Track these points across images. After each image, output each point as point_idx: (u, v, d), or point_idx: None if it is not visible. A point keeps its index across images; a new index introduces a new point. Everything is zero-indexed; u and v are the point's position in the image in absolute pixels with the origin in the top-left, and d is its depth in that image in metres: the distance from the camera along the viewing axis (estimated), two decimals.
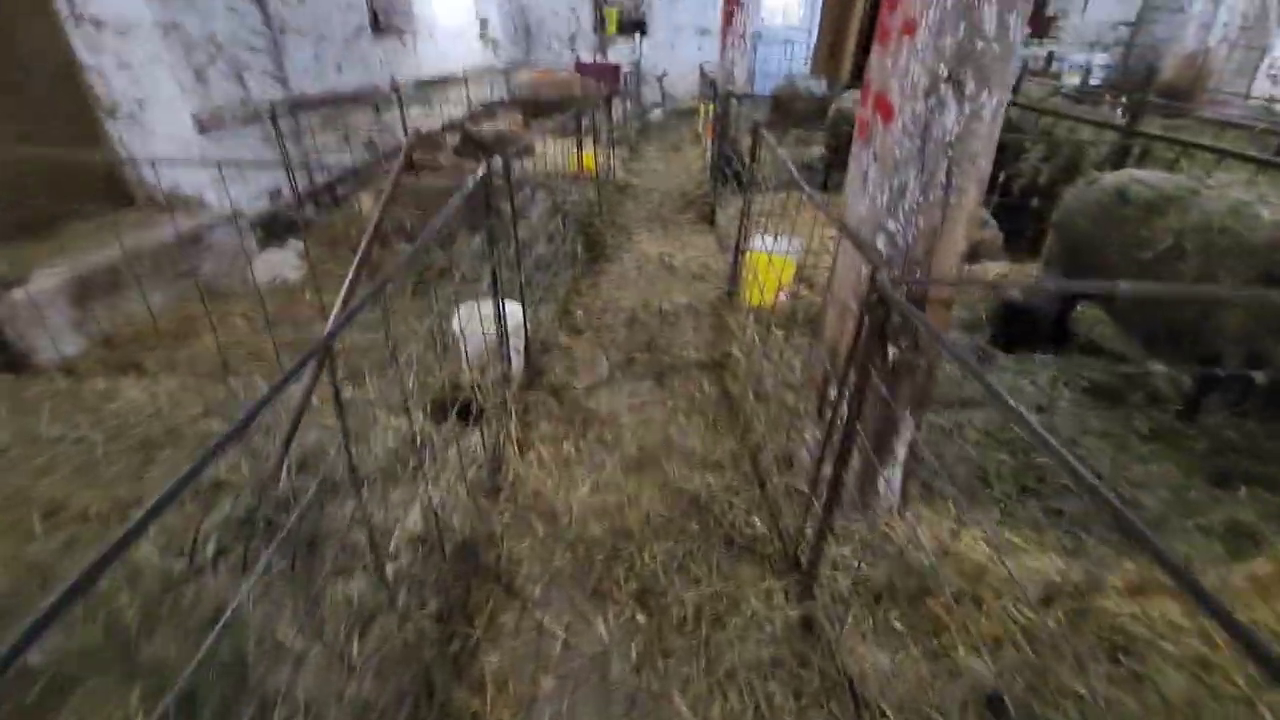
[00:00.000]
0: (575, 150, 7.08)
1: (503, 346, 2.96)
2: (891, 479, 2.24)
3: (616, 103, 10.56)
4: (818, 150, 7.90)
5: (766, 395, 2.92)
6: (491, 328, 2.95)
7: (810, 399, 2.35)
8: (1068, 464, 0.94)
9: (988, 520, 2.26)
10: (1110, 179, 3.08)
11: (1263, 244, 2.45)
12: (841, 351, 2.05)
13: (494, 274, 2.83)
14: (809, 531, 2.12)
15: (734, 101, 6.92)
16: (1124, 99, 6.85)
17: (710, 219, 6.09)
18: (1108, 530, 2.23)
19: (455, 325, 3.13)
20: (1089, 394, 2.98)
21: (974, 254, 4.76)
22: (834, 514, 1.88)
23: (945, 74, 1.57)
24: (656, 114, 12.92)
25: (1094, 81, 10.72)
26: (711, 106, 8.45)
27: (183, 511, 2.03)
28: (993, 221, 4.77)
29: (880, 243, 1.82)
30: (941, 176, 1.69)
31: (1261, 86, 9.30)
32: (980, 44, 1.53)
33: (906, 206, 1.75)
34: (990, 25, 1.51)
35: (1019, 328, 3.30)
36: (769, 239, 4.27)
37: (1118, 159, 4.01)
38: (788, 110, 9.09)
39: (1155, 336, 2.96)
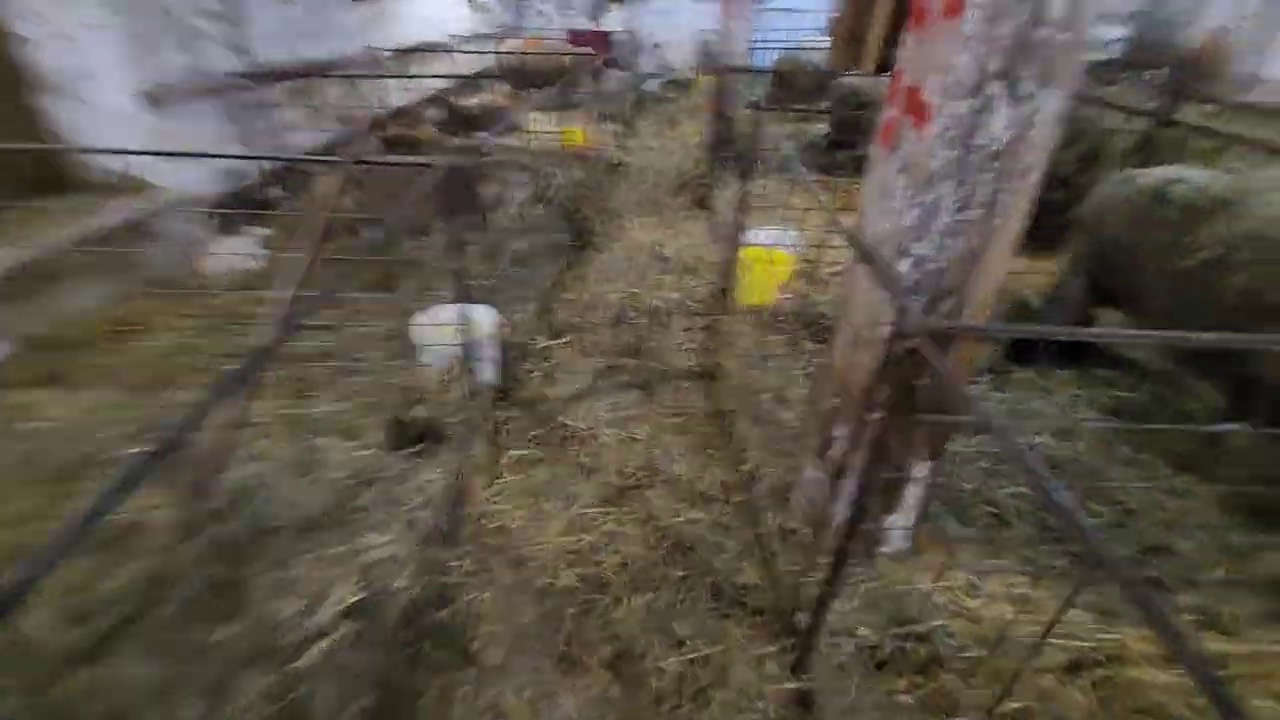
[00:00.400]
0: (565, 126, 6.68)
1: (469, 358, 2.67)
2: (902, 525, 1.99)
3: (610, 73, 10.07)
4: (821, 128, 7.50)
5: (762, 415, 2.66)
6: (457, 336, 2.66)
7: (811, 426, 2.08)
8: (1078, 528, 0.85)
9: (1007, 570, 2.02)
10: (1148, 176, 2.77)
11: None
12: (853, 386, 1.78)
13: (460, 278, 2.53)
14: (808, 583, 1.88)
15: (733, 76, 6.50)
16: (1144, 77, 6.49)
17: (706, 203, 5.74)
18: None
19: (416, 335, 2.84)
20: (1114, 413, 2.73)
21: None
22: (840, 580, 1.62)
23: (997, 68, 1.26)
24: (653, 85, 12.38)
25: (1102, 58, 10.26)
26: (710, 78, 8.00)
27: (85, 565, 1.75)
28: None
29: (905, 267, 1.53)
30: (985, 193, 1.39)
31: (1273, 70, 8.84)
32: (1044, 31, 1.22)
33: (940, 227, 1.45)
34: (1059, 7, 1.20)
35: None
36: (766, 232, 3.96)
37: (1146, 149, 3.70)
38: (790, 84, 8.64)
39: (1187, 355, 2.70)
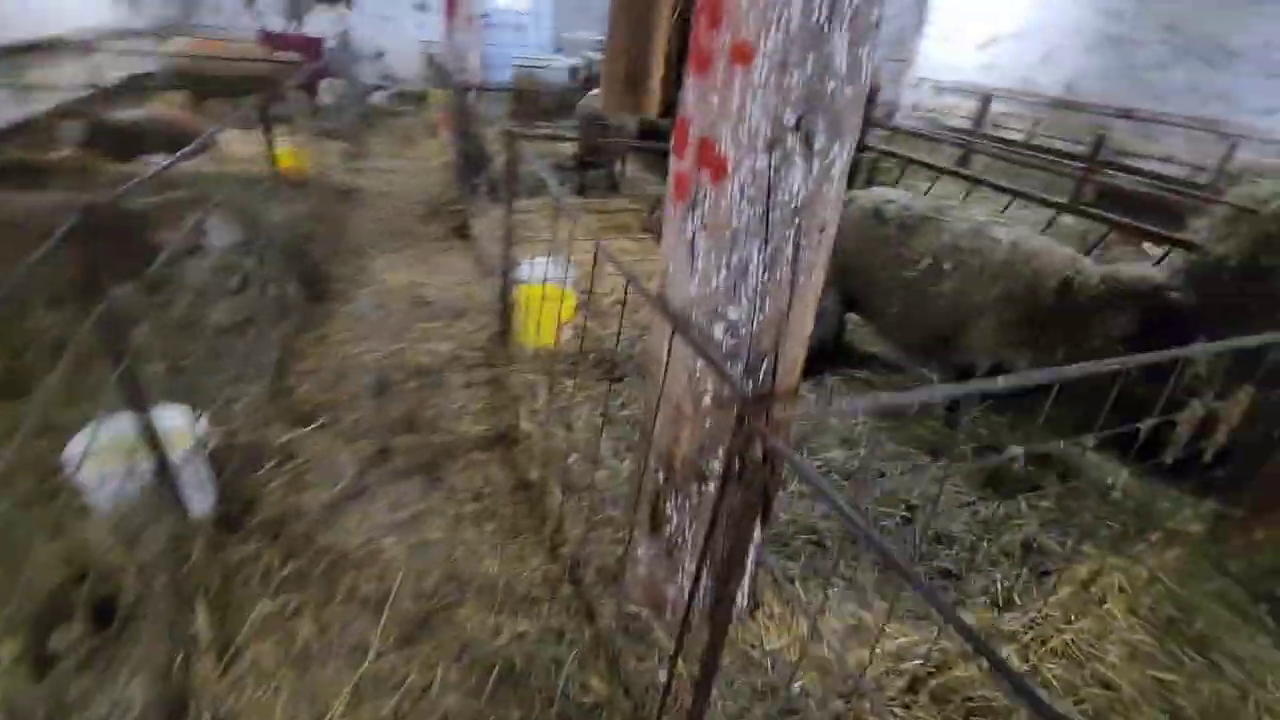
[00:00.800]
0: (274, 147, 5.56)
1: (164, 486, 1.91)
2: (741, 585, 1.89)
3: (325, 86, 8.83)
4: (568, 148, 7.50)
5: (573, 482, 2.38)
6: (140, 458, 1.88)
7: (638, 500, 1.87)
8: (892, 560, 0.86)
9: (837, 602, 2.05)
10: (865, 198, 3.16)
11: (1001, 264, 2.65)
12: (679, 460, 1.60)
13: (131, 370, 1.78)
14: (665, 678, 1.66)
15: (472, 92, 6.09)
16: None
17: (464, 232, 5.26)
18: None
19: (73, 464, 1.96)
20: (880, 415, 3.06)
21: None
22: (710, 690, 1.42)
23: (792, 121, 1.15)
24: (379, 99, 11.25)
25: None
26: (443, 94, 7.45)
27: None
28: None
29: (719, 332, 1.38)
30: (789, 250, 1.29)
31: (904, 96, 11.35)
32: (832, 84, 1.14)
33: (750, 289, 1.32)
34: (841, 60, 1.12)
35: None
36: (539, 265, 3.70)
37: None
38: (530, 102, 8.52)
39: (917, 349, 3.14)
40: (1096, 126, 7.31)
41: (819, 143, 1.18)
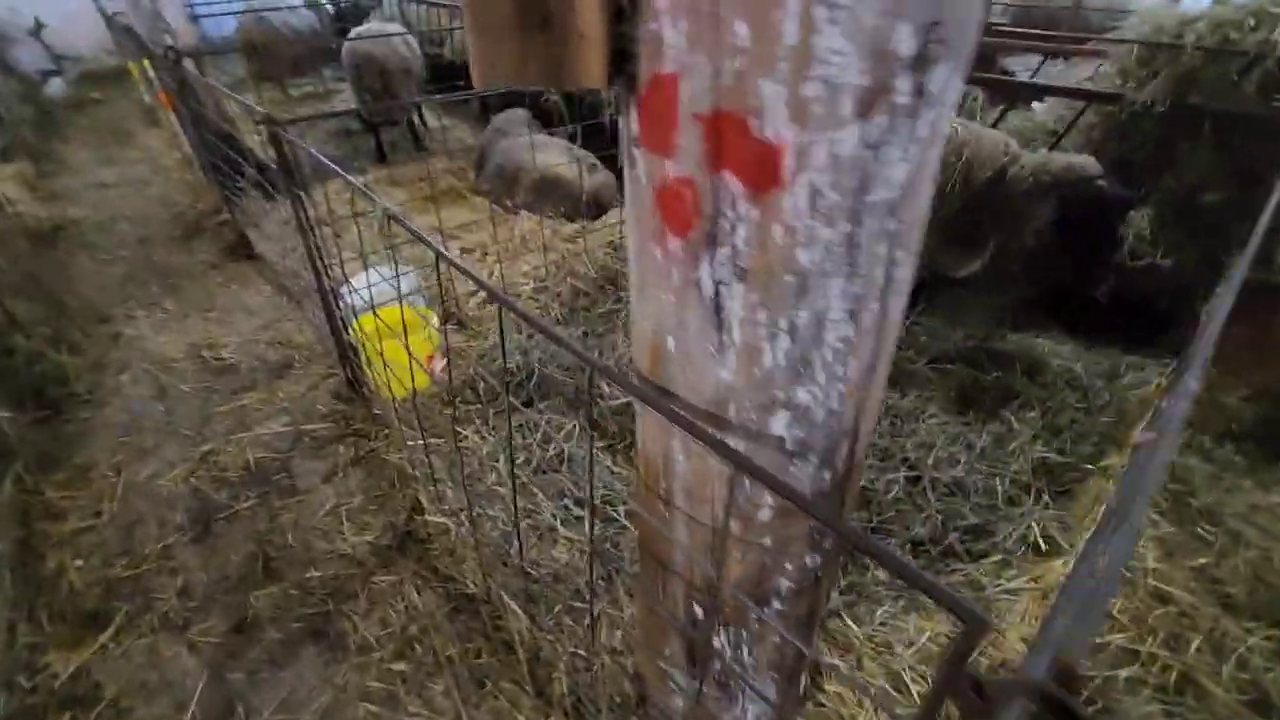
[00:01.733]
0: None
1: None
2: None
3: None
4: (342, 106, 6.10)
5: (532, 586, 1.78)
6: None
7: (659, 638, 1.35)
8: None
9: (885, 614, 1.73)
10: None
11: None
12: (725, 591, 1.08)
13: None
14: None
15: (190, 59, 4.53)
16: None
17: (243, 250, 4.03)
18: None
19: None
20: None
21: (598, 205, 4.19)
22: None
23: (911, 48, 0.57)
24: (57, 86, 8.48)
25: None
26: (146, 64, 5.59)
27: None
28: (601, 165, 4.21)
29: (778, 426, 0.84)
30: (881, 274, 0.75)
31: None
32: None
33: (827, 355, 0.78)
34: None
35: None
36: (377, 280, 2.80)
37: None
38: (272, 58, 6.76)
39: None
40: None
41: (936, 80, 0.62)
